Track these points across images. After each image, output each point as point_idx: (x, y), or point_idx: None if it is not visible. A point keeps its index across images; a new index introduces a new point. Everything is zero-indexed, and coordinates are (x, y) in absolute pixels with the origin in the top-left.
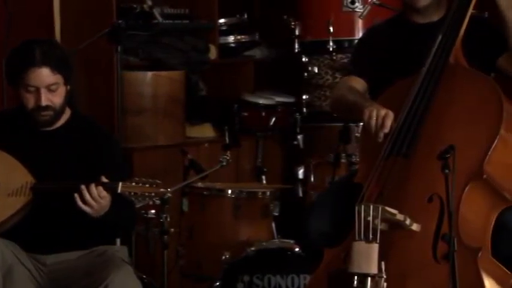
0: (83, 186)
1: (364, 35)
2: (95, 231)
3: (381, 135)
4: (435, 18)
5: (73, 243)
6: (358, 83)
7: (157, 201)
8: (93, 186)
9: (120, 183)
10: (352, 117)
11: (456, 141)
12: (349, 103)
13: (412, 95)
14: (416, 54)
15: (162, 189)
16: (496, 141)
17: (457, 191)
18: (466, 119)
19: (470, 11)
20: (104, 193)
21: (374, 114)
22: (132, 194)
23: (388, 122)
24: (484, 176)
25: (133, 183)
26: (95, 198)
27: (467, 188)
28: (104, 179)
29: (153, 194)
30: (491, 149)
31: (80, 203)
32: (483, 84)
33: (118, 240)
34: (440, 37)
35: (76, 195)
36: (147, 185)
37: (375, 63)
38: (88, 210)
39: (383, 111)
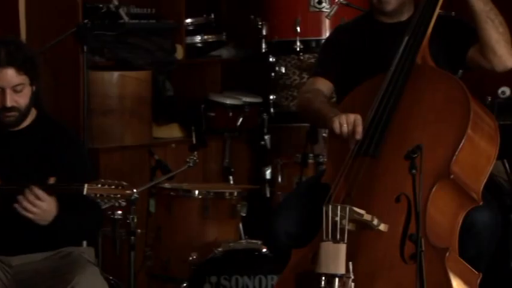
0: (20, 196)
1: (330, 34)
2: (60, 232)
3: (355, 140)
4: (403, 18)
5: (39, 244)
6: (324, 85)
7: (123, 203)
8: (27, 191)
9: (86, 185)
10: (318, 124)
11: (423, 141)
12: (315, 111)
13: (379, 95)
14: (384, 54)
15: (128, 191)
16: (463, 141)
17: (424, 191)
18: (434, 119)
19: (438, 10)
20: (42, 195)
21: (344, 121)
22: (98, 195)
23: (360, 128)
24: (451, 176)
25: (99, 185)
26: (32, 203)
27: (434, 188)
28: (52, 180)
29: (119, 196)
30: (458, 149)
31: (19, 209)
32: (450, 84)
33: (84, 242)
34: (407, 37)
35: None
36: (113, 187)
37: (342, 63)
38: (30, 216)
39: (352, 117)
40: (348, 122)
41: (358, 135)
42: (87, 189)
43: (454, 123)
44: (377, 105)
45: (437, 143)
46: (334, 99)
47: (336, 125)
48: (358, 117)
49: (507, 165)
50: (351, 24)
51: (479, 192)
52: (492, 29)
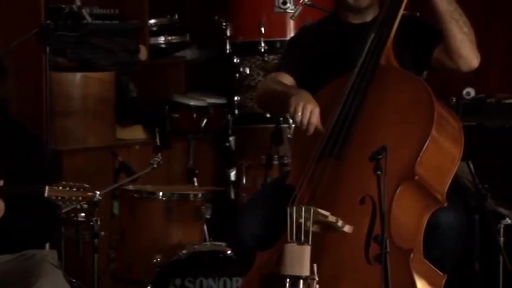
0: None
1: (295, 35)
2: (12, 233)
3: (310, 131)
4: (368, 18)
5: (0, 247)
6: (286, 79)
7: (85, 206)
8: None
9: (47, 187)
10: (277, 109)
11: (388, 142)
12: (276, 93)
13: (344, 96)
14: (348, 54)
15: (89, 193)
16: (427, 142)
17: (388, 192)
18: (398, 120)
19: (401, 11)
20: None
21: (300, 109)
22: (59, 198)
23: (314, 120)
24: (416, 177)
25: (61, 187)
26: None
27: (399, 189)
28: (1, 183)
29: (80, 198)
30: (422, 150)
31: None
32: (414, 85)
33: (47, 244)
34: (371, 37)
35: None
36: (75, 189)
37: (306, 64)
38: None
39: (309, 108)
40: (304, 112)
41: (311, 126)
42: (48, 191)
43: (418, 124)
44: (341, 106)
45: (401, 144)
46: None
47: (291, 109)
48: (316, 110)
49: (472, 166)
50: (315, 25)
51: (443, 193)
52: (456, 29)
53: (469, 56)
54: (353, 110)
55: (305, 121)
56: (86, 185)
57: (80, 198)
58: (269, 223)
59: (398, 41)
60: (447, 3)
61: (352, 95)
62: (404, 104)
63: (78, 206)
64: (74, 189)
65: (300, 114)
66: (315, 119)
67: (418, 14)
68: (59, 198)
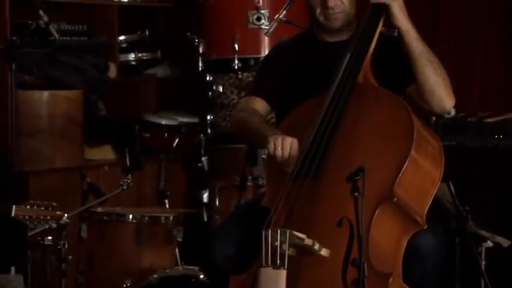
0: None
1: (270, 52)
2: None
3: (289, 167)
4: (345, 37)
5: None
6: (260, 105)
7: (54, 225)
8: None
9: (14, 207)
10: (253, 143)
11: (366, 162)
12: (251, 129)
13: (320, 115)
14: (325, 72)
15: (58, 212)
16: (406, 162)
17: (366, 214)
18: (376, 140)
19: (379, 28)
20: None
21: (279, 144)
22: (27, 217)
23: (294, 153)
24: (395, 199)
25: (28, 206)
26: None
27: (377, 211)
28: None
29: (48, 217)
30: (401, 171)
31: None
32: (393, 104)
33: (13, 269)
34: (348, 56)
35: None
36: (43, 208)
37: (281, 83)
38: None
39: (288, 141)
40: (284, 146)
41: (292, 162)
42: (16, 210)
43: (397, 144)
44: (318, 125)
45: (379, 164)
46: (273, 119)
47: (271, 147)
48: (295, 142)
49: (452, 188)
50: (290, 42)
51: (423, 215)
52: (430, 70)
53: (443, 98)
54: (330, 130)
55: (286, 155)
56: (54, 204)
57: (48, 217)
58: (243, 246)
59: (378, 60)
60: (421, 45)
61: (329, 114)
62: (382, 123)
63: (47, 226)
64: (42, 208)
65: (280, 149)
66: (295, 152)
67: (396, 32)
68: (27, 217)
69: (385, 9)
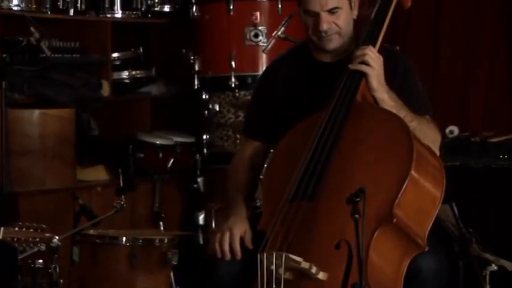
0: None
1: (265, 70)
2: None
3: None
4: (342, 55)
5: None
6: (255, 149)
7: (43, 248)
8: None
9: (2, 229)
10: None
11: (364, 183)
12: (227, 193)
13: (317, 135)
14: (322, 91)
15: (47, 234)
16: (406, 182)
17: (365, 236)
18: (375, 159)
19: (378, 46)
20: None
21: (218, 246)
22: (16, 240)
23: (226, 247)
24: (394, 220)
25: (17, 228)
26: None
27: (376, 233)
28: None
29: (38, 240)
30: (401, 191)
31: None
32: (392, 123)
33: None
34: (346, 74)
35: None
36: (32, 230)
37: (275, 111)
38: None
39: (226, 244)
40: (222, 244)
41: (226, 257)
42: (3, 232)
43: (396, 164)
44: (315, 145)
45: (378, 185)
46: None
47: (217, 237)
48: (235, 240)
49: (455, 209)
50: (287, 57)
51: (424, 237)
52: (420, 135)
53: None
54: (327, 150)
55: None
56: (44, 226)
57: (38, 239)
58: (246, 267)
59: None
60: (397, 112)
61: (326, 133)
62: (381, 142)
63: (36, 249)
64: (31, 230)
65: (217, 245)
66: (227, 247)
67: (398, 47)
68: (15, 240)
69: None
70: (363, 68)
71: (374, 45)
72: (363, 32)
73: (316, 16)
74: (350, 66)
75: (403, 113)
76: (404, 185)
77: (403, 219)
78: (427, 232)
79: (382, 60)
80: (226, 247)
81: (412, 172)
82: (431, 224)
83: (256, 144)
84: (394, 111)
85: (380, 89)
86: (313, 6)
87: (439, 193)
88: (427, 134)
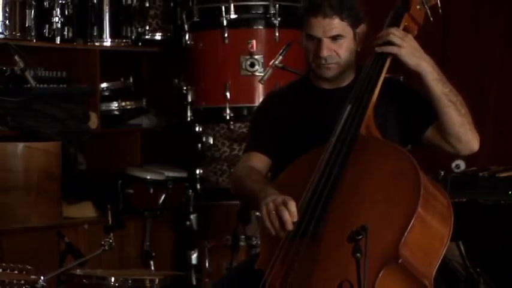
0: None
1: (262, 102)
2: None
3: (281, 234)
4: (344, 83)
5: None
6: (259, 161)
7: None
8: None
9: None
10: (251, 206)
11: (369, 220)
12: (246, 191)
13: (319, 169)
14: (323, 123)
15: (33, 276)
16: (412, 221)
17: (370, 277)
18: (380, 196)
19: (383, 76)
20: None
21: (271, 209)
22: None
23: (287, 218)
24: (400, 260)
25: (0, 270)
26: None
27: (381, 274)
28: None
29: (22, 282)
30: (407, 230)
31: None
32: (398, 158)
33: None
34: (349, 106)
35: None
36: (16, 272)
37: (276, 135)
38: None
39: (281, 205)
40: (278, 211)
41: (288, 227)
42: None
43: (402, 201)
44: (317, 180)
45: (383, 223)
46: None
47: (263, 212)
48: (291, 205)
49: (462, 248)
50: (285, 90)
51: (431, 278)
52: (455, 112)
53: (470, 140)
54: (330, 185)
55: (277, 226)
56: (29, 267)
57: (22, 281)
58: None
59: (381, 109)
60: (442, 85)
61: (328, 168)
62: (386, 178)
63: None
64: (15, 271)
65: (268, 219)
66: (288, 218)
67: (401, 77)
68: None
69: (390, 57)
70: (389, 49)
71: (377, 80)
72: (367, 63)
73: (319, 42)
74: (376, 49)
75: (447, 87)
76: (411, 223)
77: (410, 259)
78: (434, 272)
79: (410, 36)
80: (286, 216)
81: (419, 210)
82: (438, 264)
83: (259, 156)
84: (439, 83)
85: (418, 63)
86: (316, 31)
87: (447, 231)
88: (467, 112)
